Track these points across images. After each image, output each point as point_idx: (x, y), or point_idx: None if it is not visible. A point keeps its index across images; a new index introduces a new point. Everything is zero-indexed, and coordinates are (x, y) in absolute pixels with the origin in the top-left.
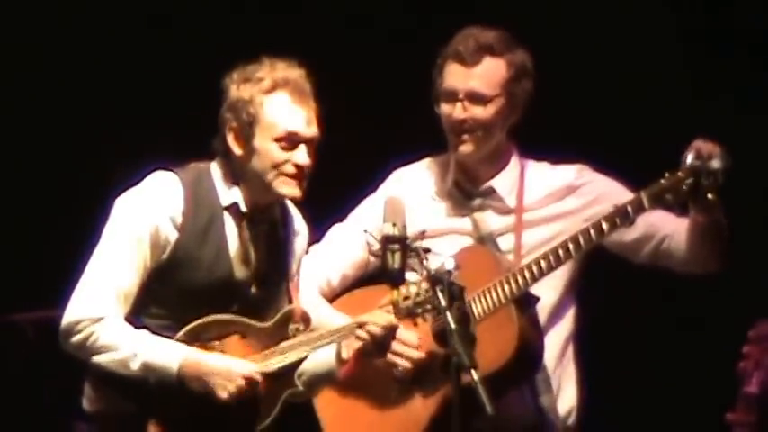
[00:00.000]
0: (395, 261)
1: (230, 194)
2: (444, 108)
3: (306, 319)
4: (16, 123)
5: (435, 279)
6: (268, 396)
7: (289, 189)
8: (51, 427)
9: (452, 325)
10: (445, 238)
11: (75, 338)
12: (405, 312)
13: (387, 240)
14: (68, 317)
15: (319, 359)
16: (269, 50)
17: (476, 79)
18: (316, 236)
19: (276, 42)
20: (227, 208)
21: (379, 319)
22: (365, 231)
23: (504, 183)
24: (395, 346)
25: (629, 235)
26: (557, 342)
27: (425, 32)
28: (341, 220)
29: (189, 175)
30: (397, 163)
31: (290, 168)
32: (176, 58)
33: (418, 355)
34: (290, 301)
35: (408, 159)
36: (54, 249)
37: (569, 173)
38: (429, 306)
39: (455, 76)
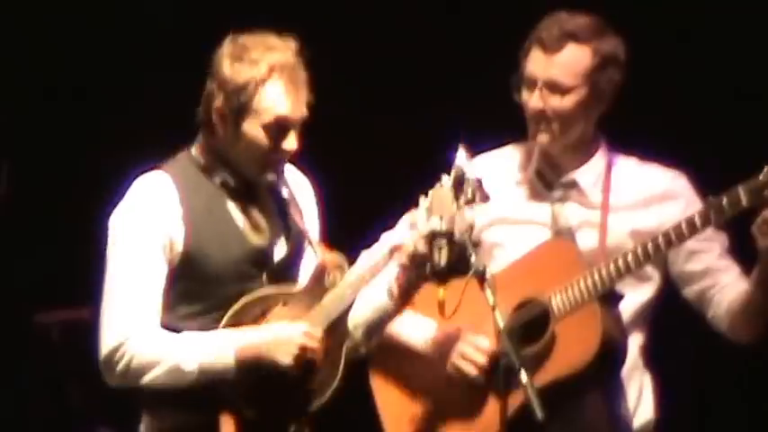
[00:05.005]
0: (441, 258)
1: (218, 174)
2: (524, 95)
3: (340, 266)
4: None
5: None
6: (329, 355)
7: (271, 174)
8: None
9: (500, 323)
10: (522, 228)
11: (118, 368)
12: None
13: (433, 236)
14: (103, 350)
15: (372, 305)
16: None
17: (556, 68)
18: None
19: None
20: (220, 185)
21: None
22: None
23: (587, 176)
24: (466, 349)
25: (690, 266)
26: (637, 346)
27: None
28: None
29: (174, 166)
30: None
31: (276, 155)
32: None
33: (484, 361)
34: (317, 255)
35: (490, 146)
36: (79, 247)
37: (663, 180)
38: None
39: (536, 63)
